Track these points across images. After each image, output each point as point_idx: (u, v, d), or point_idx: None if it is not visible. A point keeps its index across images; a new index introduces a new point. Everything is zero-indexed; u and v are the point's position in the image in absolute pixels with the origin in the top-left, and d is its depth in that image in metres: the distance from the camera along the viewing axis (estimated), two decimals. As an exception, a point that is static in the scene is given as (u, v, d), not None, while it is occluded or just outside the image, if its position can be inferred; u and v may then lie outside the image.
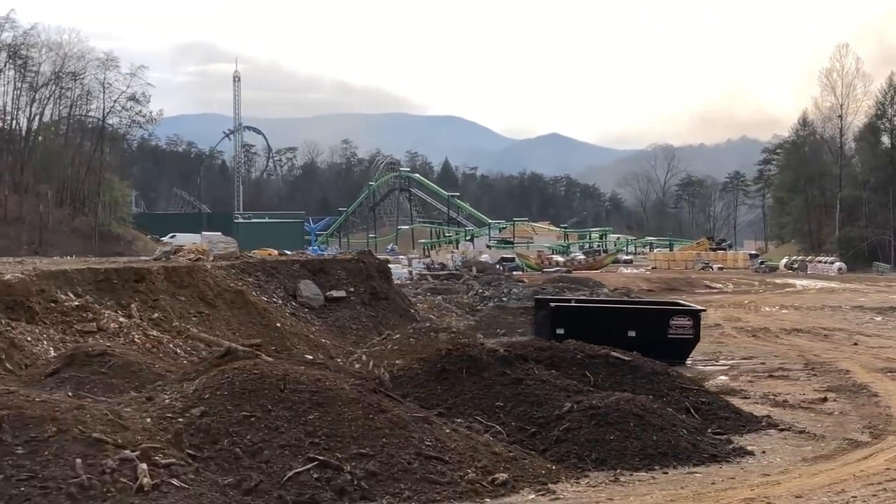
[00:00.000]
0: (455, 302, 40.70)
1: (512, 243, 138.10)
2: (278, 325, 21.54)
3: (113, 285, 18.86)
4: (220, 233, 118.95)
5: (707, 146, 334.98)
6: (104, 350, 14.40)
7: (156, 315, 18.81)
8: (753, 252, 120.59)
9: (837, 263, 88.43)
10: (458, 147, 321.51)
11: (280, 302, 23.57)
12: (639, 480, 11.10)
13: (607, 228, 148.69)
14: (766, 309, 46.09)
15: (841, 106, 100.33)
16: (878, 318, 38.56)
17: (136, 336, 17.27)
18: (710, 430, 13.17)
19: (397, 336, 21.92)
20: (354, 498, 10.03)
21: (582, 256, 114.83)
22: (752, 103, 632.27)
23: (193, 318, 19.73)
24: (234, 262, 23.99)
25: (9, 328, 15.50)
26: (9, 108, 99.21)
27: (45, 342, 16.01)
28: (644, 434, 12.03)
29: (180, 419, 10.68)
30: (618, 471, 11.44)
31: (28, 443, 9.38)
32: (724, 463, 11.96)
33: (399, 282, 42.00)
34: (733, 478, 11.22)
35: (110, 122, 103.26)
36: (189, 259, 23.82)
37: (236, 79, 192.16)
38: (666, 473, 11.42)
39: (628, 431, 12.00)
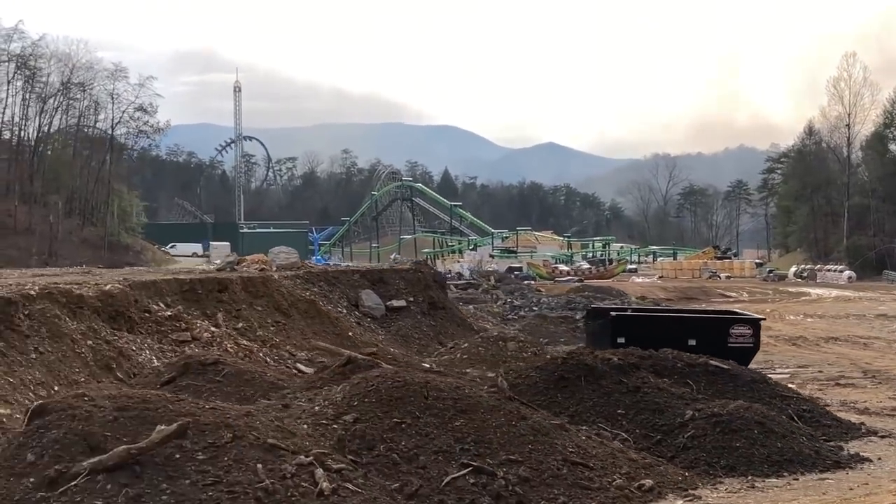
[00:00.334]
0: (486, 311, 40.93)
1: (515, 252, 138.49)
2: (350, 334, 21.81)
3: (198, 295, 19.11)
4: (228, 242, 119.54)
5: (705, 155, 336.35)
6: (217, 359, 14.66)
7: (240, 325, 19.07)
8: (758, 260, 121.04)
9: (847, 272, 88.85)
10: (455, 156, 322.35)
11: (345, 311, 23.84)
12: (776, 487, 11.34)
13: (610, 238, 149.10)
14: (791, 317, 46.39)
15: (849, 115, 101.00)
16: (906, 326, 39.04)
17: (229, 345, 17.53)
18: (821, 437, 13.42)
19: (465, 345, 22.17)
20: (511, 503, 10.26)
21: (587, 266, 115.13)
22: (749, 112, 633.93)
23: (271, 328, 19.98)
24: (298, 272, 24.23)
25: (115, 338, 15.73)
26: (17, 119, 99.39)
27: (146, 351, 16.26)
28: (768, 441, 12.26)
29: (334, 425, 10.93)
30: (749, 477, 11.66)
31: (207, 448, 9.63)
32: (849, 469, 12.17)
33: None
34: (866, 484, 11.44)
35: (118, 132, 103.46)
36: (253, 269, 24.05)
37: (237, 89, 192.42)
38: (797, 480, 11.64)
39: (753, 438, 12.23)
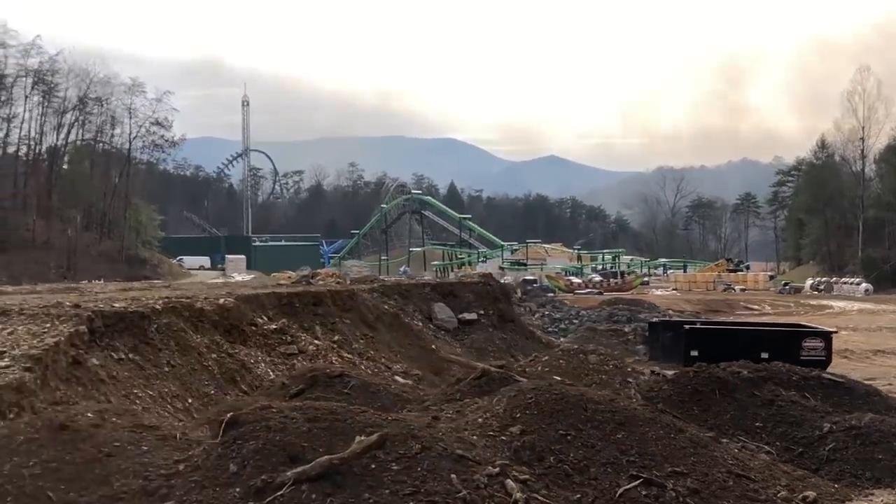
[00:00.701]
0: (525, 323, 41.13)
1: (525, 265, 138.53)
2: (433, 346, 22.06)
3: (295, 309, 19.39)
4: (243, 256, 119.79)
5: (708, 167, 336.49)
6: (342, 372, 14.93)
7: (336, 338, 19.34)
8: (770, 273, 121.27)
9: (864, 285, 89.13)
10: (458, 169, 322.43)
11: (420, 324, 24.09)
12: (930, 499, 11.57)
13: (620, 250, 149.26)
14: (825, 331, 46.49)
15: (862, 128, 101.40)
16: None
17: (334, 358, 17.79)
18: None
19: (546, 358, 22.37)
20: (683, 515, 10.50)
21: (598, 278, 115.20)
22: (752, 125, 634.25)
23: (361, 340, 20.25)
24: (373, 285, 24.49)
25: (235, 351, 16.00)
26: (34, 134, 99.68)
27: (262, 364, 16.52)
28: (908, 453, 12.50)
29: (503, 437, 11.19)
30: (896, 489, 11.90)
31: (399, 459, 9.89)
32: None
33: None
34: None
35: (136, 146, 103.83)
36: (328, 282, 24.31)
37: (245, 103, 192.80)
38: (946, 492, 11.89)
39: (894, 451, 12.46)
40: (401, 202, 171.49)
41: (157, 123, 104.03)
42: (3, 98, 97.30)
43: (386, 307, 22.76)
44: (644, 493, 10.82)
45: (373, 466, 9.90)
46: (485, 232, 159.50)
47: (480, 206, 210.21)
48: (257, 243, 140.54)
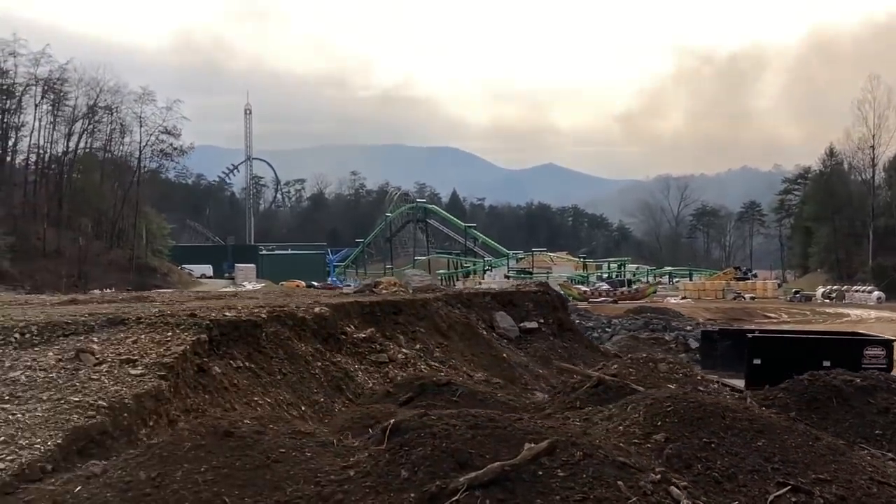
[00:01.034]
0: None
1: (531, 273, 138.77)
2: (504, 355, 22.17)
3: (377, 318, 19.49)
4: (253, 265, 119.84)
5: (708, 175, 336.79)
6: (448, 380, 15.07)
7: (417, 346, 19.45)
8: (777, 281, 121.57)
9: (876, 293, 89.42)
10: (458, 178, 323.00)
11: (485, 333, 24.21)
12: None
13: (626, 258, 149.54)
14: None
15: (873, 136, 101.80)
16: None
17: (422, 366, 17.92)
18: None
19: (615, 366, 22.37)
20: (837, 523, 10.63)
21: (605, 287, 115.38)
22: (751, 133, 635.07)
23: (438, 349, 20.37)
24: (436, 294, 24.61)
25: (337, 359, 16.14)
26: (44, 143, 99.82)
27: (359, 372, 16.65)
28: None
29: (647, 444, 11.33)
30: None
31: (563, 466, 10.01)
32: None
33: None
34: None
35: (146, 154, 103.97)
36: (390, 291, 24.45)
37: (247, 111, 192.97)
38: None
39: None
40: (405, 211, 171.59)
41: (167, 132, 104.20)
42: (13, 107, 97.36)
43: (455, 316, 22.87)
44: (793, 500, 10.96)
45: (539, 473, 10.01)
46: (490, 240, 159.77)
47: (483, 214, 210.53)
48: (264, 252, 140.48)
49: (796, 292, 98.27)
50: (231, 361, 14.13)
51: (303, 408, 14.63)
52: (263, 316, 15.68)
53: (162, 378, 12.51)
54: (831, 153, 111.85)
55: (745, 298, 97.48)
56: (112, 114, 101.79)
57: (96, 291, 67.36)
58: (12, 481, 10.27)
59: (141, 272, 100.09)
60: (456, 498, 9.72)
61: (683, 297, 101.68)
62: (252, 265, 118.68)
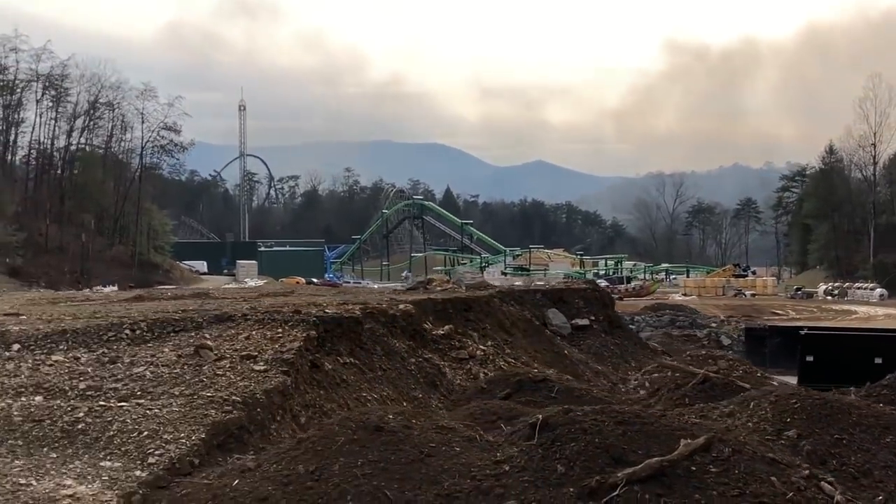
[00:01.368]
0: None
1: (528, 270, 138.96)
2: (566, 352, 22.32)
3: (449, 315, 19.63)
4: (255, 261, 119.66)
5: (699, 173, 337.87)
6: (545, 377, 15.20)
7: (489, 343, 19.59)
8: (772, 276, 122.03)
9: (878, 290, 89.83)
10: (448, 175, 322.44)
11: (548, 331, 24.36)
12: None
13: (623, 255, 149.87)
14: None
15: (874, 134, 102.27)
16: None
17: (501, 363, 18.05)
18: None
19: (674, 363, 22.64)
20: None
21: (605, 284, 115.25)
22: (743, 130, 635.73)
23: (505, 346, 20.51)
24: (490, 291, 24.72)
25: (429, 356, 16.25)
26: (45, 139, 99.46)
27: (447, 369, 16.77)
28: None
29: (781, 441, 11.49)
30: None
31: (714, 462, 10.16)
32: None
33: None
34: None
35: (147, 151, 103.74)
36: (444, 288, 24.55)
37: (241, 108, 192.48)
38: None
39: None
40: (401, 208, 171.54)
41: (168, 128, 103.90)
42: (14, 103, 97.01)
43: (515, 313, 23.01)
44: (931, 495, 11.15)
45: (693, 469, 10.17)
46: (486, 237, 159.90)
47: (477, 211, 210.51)
48: (262, 249, 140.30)
49: (798, 289, 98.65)
50: (338, 357, 14.27)
51: (404, 403, 14.77)
52: (357, 313, 15.79)
53: (284, 374, 12.65)
54: (831, 150, 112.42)
55: (745, 295, 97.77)
56: (113, 110, 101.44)
57: (106, 289, 67.29)
58: (165, 475, 10.37)
59: (143, 268, 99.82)
60: (616, 493, 9.87)
61: (684, 294, 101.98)
62: (254, 262, 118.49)
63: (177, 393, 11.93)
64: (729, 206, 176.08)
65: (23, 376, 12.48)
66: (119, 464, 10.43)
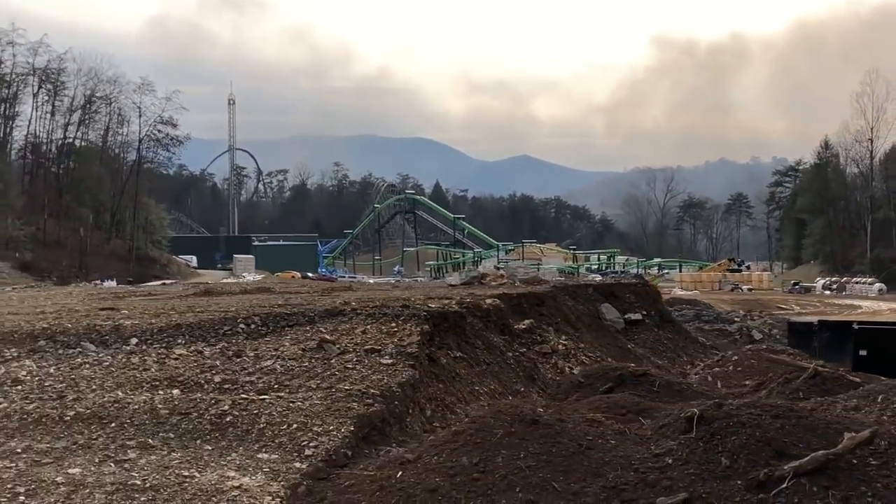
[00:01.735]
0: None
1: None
2: (630, 346, 22.45)
3: (524, 309, 19.71)
4: (252, 256, 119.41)
5: (686, 168, 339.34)
6: (645, 371, 15.30)
7: (563, 338, 19.68)
8: (763, 270, 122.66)
9: (877, 284, 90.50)
10: (433, 169, 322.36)
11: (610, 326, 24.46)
12: None
13: (615, 250, 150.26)
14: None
15: (871, 129, 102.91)
16: None
17: (583, 357, 18.15)
18: None
19: (735, 357, 22.81)
20: None
21: (599, 278, 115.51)
22: (729, 126, 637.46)
23: (579, 340, 20.61)
24: (549, 287, 24.82)
25: (524, 349, 16.34)
26: (42, 132, 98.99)
27: (538, 364, 16.86)
28: None
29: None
30: None
31: (872, 455, 10.27)
32: None
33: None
34: None
35: (145, 145, 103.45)
36: (499, 283, 24.64)
37: (231, 102, 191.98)
38: None
39: None
40: (393, 202, 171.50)
41: (164, 122, 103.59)
42: (10, 97, 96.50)
43: (578, 308, 23.11)
44: None
45: (854, 462, 10.29)
46: (478, 232, 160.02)
47: (466, 206, 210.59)
48: (256, 243, 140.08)
49: (795, 284, 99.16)
50: (448, 351, 14.33)
51: (509, 397, 14.84)
52: (455, 307, 15.87)
53: (411, 367, 12.70)
54: (826, 145, 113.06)
55: (742, 290, 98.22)
56: (110, 104, 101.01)
57: (105, 283, 67.09)
58: (324, 467, 10.44)
59: (141, 262, 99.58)
60: (784, 486, 9.97)
61: (683, 289, 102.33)
62: (251, 256, 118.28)
63: (314, 386, 11.98)
64: (717, 201, 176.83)
65: (152, 370, 12.50)
66: (276, 455, 10.48)
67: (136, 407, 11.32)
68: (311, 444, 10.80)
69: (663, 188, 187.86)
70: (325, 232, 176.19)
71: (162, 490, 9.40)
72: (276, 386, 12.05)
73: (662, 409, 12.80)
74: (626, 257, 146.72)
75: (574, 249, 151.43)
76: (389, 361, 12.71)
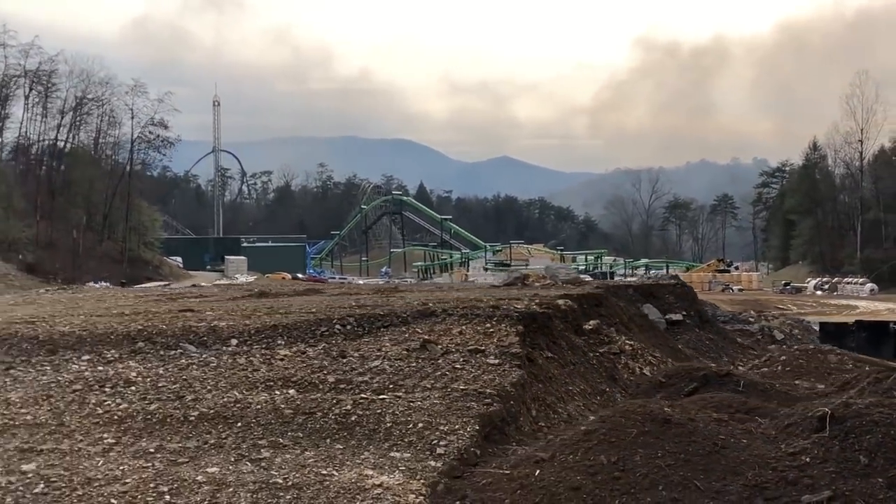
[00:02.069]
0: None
1: (509, 265, 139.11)
2: (680, 346, 22.54)
3: (584, 310, 19.76)
4: (244, 257, 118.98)
5: (666, 169, 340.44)
6: (728, 371, 15.40)
7: (627, 339, 19.74)
8: (748, 270, 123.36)
9: (869, 284, 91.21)
10: (413, 170, 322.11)
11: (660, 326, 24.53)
12: None
13: (602, 250, 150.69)
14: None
15: (861, 130, 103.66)
16: None
17: (650, 357, 18.23)
18: None
19: (783, 357, 22.87)
20: None
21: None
22: (710, 127, 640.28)
23: (635, 340, 20.68)
24: (592, 288, 24.89)
25: (602, 349, 16.40)
26: (34, 134, 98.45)
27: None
28: None
29: None
30: None
31: None
32: None
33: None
34: None
35: (137, 147, 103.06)
36: (542, 284, 24.70)
37: (216, 103, 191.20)
38: None
39: None
40: (380, 203, 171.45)
41: (155, 124, 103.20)
42: (2, 98, 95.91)
43: (630, 309, 23.18)
44: None
45: None
46: (465, 232, 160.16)
47: (450, 207, 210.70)
48: (245, 245, 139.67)
49: (786, 284, 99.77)
50: (541, 352, 14.37)
51: (598, 398, 14.91)
52: (537, 308, 15.92)
53: (518, 367, 12.75)
54: (815, 147, 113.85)
55: (732, 290, 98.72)
56: (102, 106, 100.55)
57: (98, 285, 66.72)
58: (458, 466, 10.48)
59: (133, 264, 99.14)
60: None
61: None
62: (243, 258, 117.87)
63: (428, 386, 12.02)
64: (699, 202, 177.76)
65: (262, 370, 12.50)
66: (408, 454, 10.52)
67: (259, 407, 11.33)
68: (441, 443, 10.84)
69: (648, 189, 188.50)
70: (310, 233, 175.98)
71: (305, 488, 9.44)
72: (390, 386, 12.08)
73: (770, 408, 12.88)
74: (612, 258, 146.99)
75: (561, 250, 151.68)
76: (496, 362, 12.76)
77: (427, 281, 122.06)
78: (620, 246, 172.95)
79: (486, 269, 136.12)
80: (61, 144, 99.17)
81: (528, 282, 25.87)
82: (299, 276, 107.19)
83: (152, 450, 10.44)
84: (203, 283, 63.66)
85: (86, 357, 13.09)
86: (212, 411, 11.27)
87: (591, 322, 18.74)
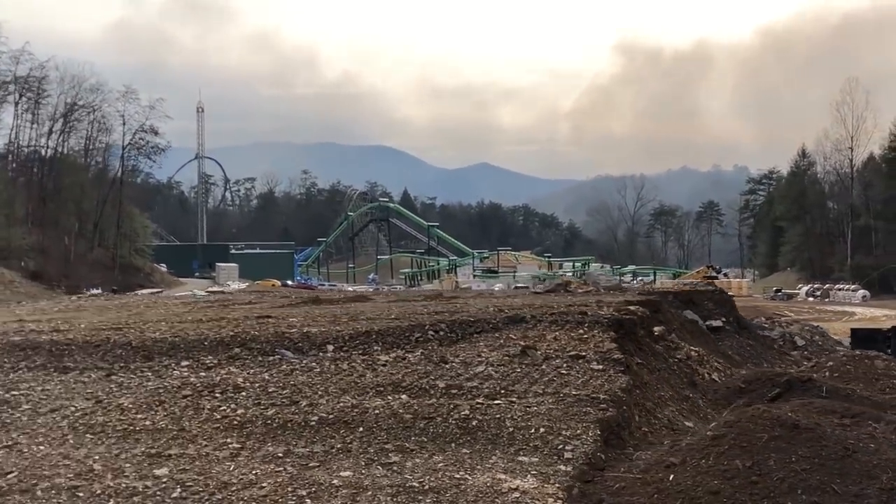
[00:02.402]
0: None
1: (497, 272, 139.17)
2: (730, 352, 22.60)
3: (644, 316, 19.77)
4: (236, 264, 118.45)
5: (648, 176, 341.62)
6: (809, 377, 15.45)
7: (691, 345, 19.78)
8: (734, 276, 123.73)
9: (861, 291, 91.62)
10: (392, 176, 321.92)
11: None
12: None
13: (590, 257, 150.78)
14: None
15: (851, 138, 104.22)
16: None
17: (716, 363, 18.27)
18: None
19: (830, 364, 22.92)
20: None
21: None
22: (691, 134, 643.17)
23: (698, 346, 20.73)
24: (634, 294, 24.94)
25: (682, 356, 16.41)
26: (24, 142, 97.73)
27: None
28: None
29: None
30: None
31: None
32: None
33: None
34: None
35: (128, 153, 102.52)
36: (584, 290, 24.74)
37: (200, 109, 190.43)
38: None
39: None
40: (366, 210, 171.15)
41: (145, 131, 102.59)
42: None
43: (680, 316, 23.23)
44: None
45: None
46: (452, 239, 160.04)
47: (434, 213, 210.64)
48: (234, 252, 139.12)
49: (777, 290, 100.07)
50: (631, 357, 14.38)
51: (684, 403, 14.92)
52: (617, 314, 15.91)
53: (622, 373, 12.74)
54: (804, 154, 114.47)
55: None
56: (93, 112, 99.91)
57: (89, 292, 66.37)
58: (588, 470, 10.48)
59: (124, 272, 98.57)
60: None
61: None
62: (235, 265, 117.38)
63: (540, 391, 12.01)
64: (682, 209, 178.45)
65: (367, 376, 12.45)
66: (536, 458, 10.52)
67: (378, 412, 11.30)
68: (567, 448, 10.85)
69: (633, 196, 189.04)
70: (294, 240, 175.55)
71: (443, 492, 9.43)
72: (502, 391, 12.07)
73: (875, 414, 12.94)
74: (600, 265, 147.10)
75: (549, 257, 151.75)
76: (600, 367, 12.78)
77: (415, 288, 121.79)
78: (605, 252, 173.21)
79: (474, 276, 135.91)
80: (52, 151, 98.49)
81: (570, 288, 25.87)
82: (288, 283, 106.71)
83: (280, 454, 10.41)
84: (197, 291, 63.29)
85: (185, 363, 12.99)
86: (331, 416, 11.23)
87: (657, 328, 18.76)
